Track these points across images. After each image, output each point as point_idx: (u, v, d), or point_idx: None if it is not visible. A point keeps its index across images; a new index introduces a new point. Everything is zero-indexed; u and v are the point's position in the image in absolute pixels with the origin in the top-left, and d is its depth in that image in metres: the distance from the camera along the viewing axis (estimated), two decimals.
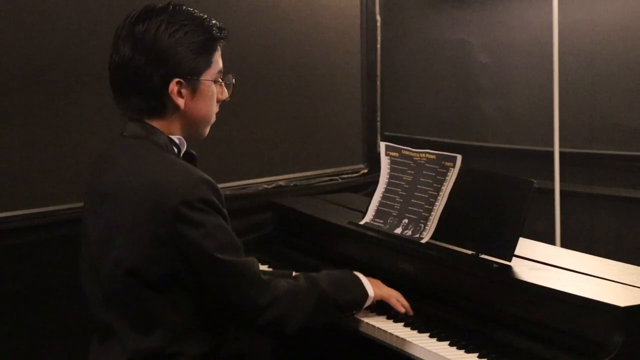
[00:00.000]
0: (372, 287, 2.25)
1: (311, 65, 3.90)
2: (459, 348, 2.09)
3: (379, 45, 4.23)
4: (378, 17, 4.21)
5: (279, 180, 3.79)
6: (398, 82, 4.32)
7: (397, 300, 2.29)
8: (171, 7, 2.03)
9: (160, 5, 2.03)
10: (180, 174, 1.95)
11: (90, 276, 2.05)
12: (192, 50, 2.00)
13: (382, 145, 2.66)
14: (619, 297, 1.97)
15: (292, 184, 3.81)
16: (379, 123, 4.25)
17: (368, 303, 2.25)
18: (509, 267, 2.22)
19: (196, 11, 2.06)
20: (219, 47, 2.07)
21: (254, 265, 2.03)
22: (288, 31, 3.78)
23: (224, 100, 2.13)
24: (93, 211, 2.04)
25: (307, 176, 3.89)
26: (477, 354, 2.05)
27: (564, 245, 3.54)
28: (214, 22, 2.06)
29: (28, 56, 3.09)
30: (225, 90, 2.12)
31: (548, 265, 2.30)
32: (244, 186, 3.61)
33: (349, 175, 4.06)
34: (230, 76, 2.14)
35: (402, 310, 2.28)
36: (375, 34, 4.21)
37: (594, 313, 1.95)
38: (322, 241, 2.83)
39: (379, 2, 4.21)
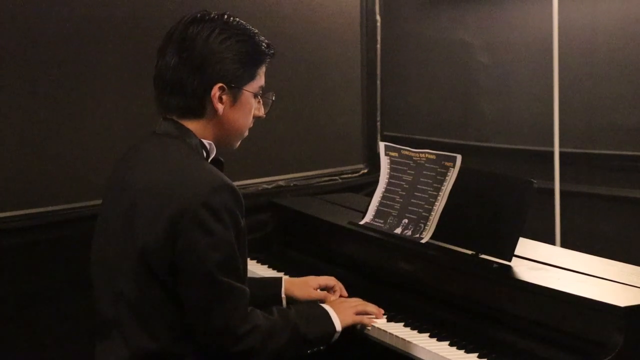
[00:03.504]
0: (339, 320, 2.22)
1: (311, 65, 3.89)
2: (459, 348, 2.09)
3: (379, 45, 4.23)
4: (378, 17, 4.21)
5: (279, 180, 3.79)
6: (398, 82, 4.32)
7: (368, 317, 2.27)
8: (226, 16, 2.08)
9: (216, 13, 2.08)
10: (207, 177, 1.97)
11: (102, 267, 2.06)
12: (238, 59, 2.04)
13: (382, 145, 2.66)
14: (619, 297, 1.97)
15: (292, 184, 3.81)
16: (379, 123, 4.25)
17: (336, 337, 2.22)
18: (509, 267, 2.22)
19: (249, 25, 2.10)
20: (265, 63, 2.12)
21: (244, 294, 2.00)
22: (288, 31, 3.78)
23: (259, 117, 2.16)
24: (116, 201, 2.05)
25: (307, 176, 3.89)
26: (477, 354, 2.05)
27: (564, 245, 3.54)
28: (263, 38, 2.11)
29: (28, 56, 3.09)
30: (263, 108, 2.17)
31: (548, 265, 2.30)
32: (244, 186, 3.60)
33: (349, 175, 4.06)
34: (271, 94, 2.18)
35: (374, 322, 2.26)
36: (375, 34, 4.20)
37: (594, 313, 1.95)
38: (322, 241, 2.83)
39: (379, 2, 4.21)
